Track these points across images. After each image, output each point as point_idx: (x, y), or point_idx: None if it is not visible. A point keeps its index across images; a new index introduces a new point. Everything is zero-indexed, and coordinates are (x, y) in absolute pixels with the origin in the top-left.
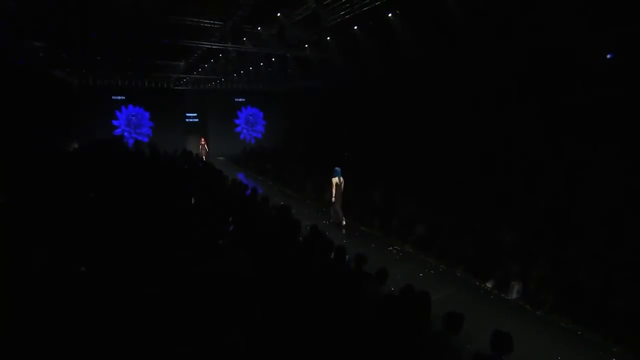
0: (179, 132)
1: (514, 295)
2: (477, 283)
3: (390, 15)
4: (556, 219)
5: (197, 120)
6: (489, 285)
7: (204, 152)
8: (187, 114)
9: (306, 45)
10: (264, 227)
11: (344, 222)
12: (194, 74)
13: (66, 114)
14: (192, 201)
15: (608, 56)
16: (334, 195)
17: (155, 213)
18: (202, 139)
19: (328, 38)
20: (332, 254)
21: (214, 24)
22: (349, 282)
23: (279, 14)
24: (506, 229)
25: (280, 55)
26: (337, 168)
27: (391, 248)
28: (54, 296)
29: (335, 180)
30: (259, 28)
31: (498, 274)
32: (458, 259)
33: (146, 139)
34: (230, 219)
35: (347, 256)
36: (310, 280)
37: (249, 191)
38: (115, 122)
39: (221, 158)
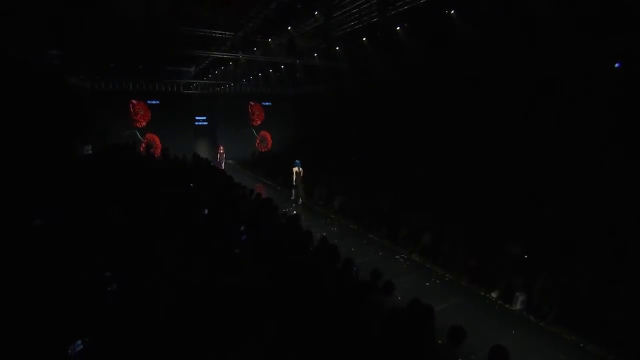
0: (189, 135)
1: (518, 306)
2: (482, 293)
3: (398, 28)
4: (560, 231)
5: (206, 123)
6: (493, 295)
7: (222, 160)
8: (197, 117)
9: (315, 55)
10: (275, 237)
11: (300, 201)
12: (204, 80)
13: (80, 118)
14: (206, 211)
15: (616, 65)
16: (294, 180)
17: (170, 223)
18: (221, 147)
19: (337, 48)
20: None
21: (225, 34)
22: (358, 294)
23: (289, 27)
24: (511, 241)
25: (289, 63)
26: (297, 160)
27: (398, 256)
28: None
29: (295, 169)
30: (270, 39)
31: (503, 284)
32: (463, 269)
33: None
34: (242, 227)
35: (354, 267)
36: (322, 292)
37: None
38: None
39: (231, 161)
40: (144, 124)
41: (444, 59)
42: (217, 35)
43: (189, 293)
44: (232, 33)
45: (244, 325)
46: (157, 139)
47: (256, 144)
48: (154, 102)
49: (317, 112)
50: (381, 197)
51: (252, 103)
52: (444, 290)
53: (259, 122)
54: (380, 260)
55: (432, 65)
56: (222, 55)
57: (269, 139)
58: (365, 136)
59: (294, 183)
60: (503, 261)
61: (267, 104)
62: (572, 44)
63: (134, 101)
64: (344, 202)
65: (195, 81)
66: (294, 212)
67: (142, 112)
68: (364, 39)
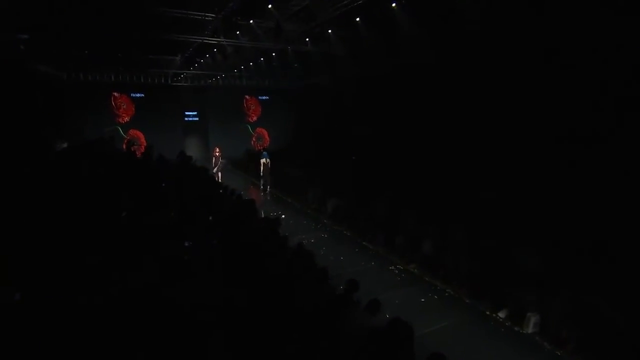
0: (177, 132)
1: (530, 330)
2: (488, 312)
3: (394, 5)
4: (583, 241)
5: (197, 119)
6: (501, 315)
7: (219, 164)
8: (186, 113)
9: (307, 39)
10: (249, 241)
11: (268, 190)
12: (191, 70)
13: (53, 111)
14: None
15: None
16: (261, 170)
17: (117, 227)
18: (217, 149)
19: (330, 31)
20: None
21: (205, 16)
22: (331, 311)
23: (270, 6)
24: (525, 250)
25: (280, 50)
26: (264, 152)
27: (393, 267)
28: None
29: (262, 160)
30: (251, 21)
31: (512, 302)
32: (467, 283)
33: None
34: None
35: (330, 280)
36: (288, 307)
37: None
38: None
39: (223, 161)
40: (127, 119)
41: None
42: (195, 17)
43: (119, 309)
44: (212, 15)
45: (182, 347)
46: (141, 136)
47: (252, 142)
48: (138, 95)
49: (318, 107)
50: (378, 200)
51: (247, 97)
52: (443, 307)
53: (255, 118)
54: (372, 271)
55: (439, 52)
56: (202, 39)
57: (266, 136)
58: (367, 132)
59: (261, 174)
60: (514, 274)
61: (264, 98)
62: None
63: (115, 94)
64: (339, 205)
65: (183, 71)
66: (282, 215)
67: (124, 106)
68: (357, 19)
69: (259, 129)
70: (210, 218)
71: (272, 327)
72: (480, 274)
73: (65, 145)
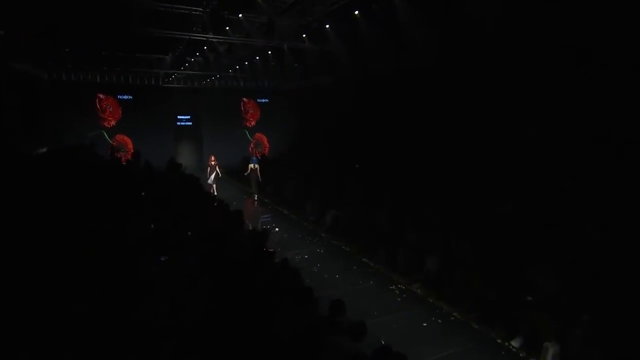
0: (169, 137)
1: None
2: (499, 340)
3: None
4: (607, 259)
5: (190, 123)
6: (514, 344)
7: (212, 173)
8: (179, 117)
9: (304, 35)
10: (231, 257)
11: (256, 197)
12: (181, 70)
13: (30, 113)
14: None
15: None
16: (247, 173)
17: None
18: (212, 157)
19: (327, 26)
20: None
21: (191, 10)
22: (311, 336)
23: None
24: (540, 270)
25: (279, 49)
26: (253, 158)
27: (394, 287)
28: None
29: (250, 165)
30: (240, 15)
31: (528, 329)
32: (475, 306)
33: None
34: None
35: (316, 300)
36: (265, 331)
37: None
38: None
39: (218, 170)
40: (113, 123)
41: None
42: (181, 11)
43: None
44: (199, 9)
45: None
46: (129, 142)
47: (250, 149)
48: (125, 97)
49: (322, 110)
50: (380, 212)
51: (245, 100)
52: (448, 333)
53: (253, 123)
54: (370, 291)
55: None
56: (189, 36)
57: (266, 142)
58: (372, 137)
59: (246, 175)
60: (529, 296)
61: (263, 100)
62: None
63: (101, 95)
64: (338, 217)
65: (174, 71)
66: (276, 228)
67: (110, 109)
68: (356, 12)
69: (257, 135)
70: (190, 233)
71: (245, 355)
72: (491, 296)
73: (44, 150)
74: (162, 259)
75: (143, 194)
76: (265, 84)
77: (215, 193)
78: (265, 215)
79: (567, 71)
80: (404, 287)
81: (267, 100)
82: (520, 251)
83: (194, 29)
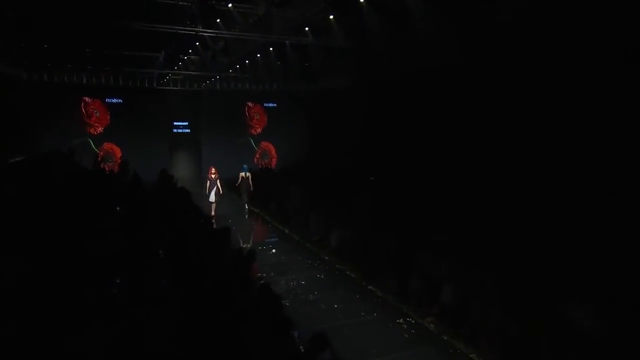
0: (163, 146)
1: None
2: None
3: None
4: None
5: (188, 130)
6: None
7: (213, 188)
8: (175, 123)
9: (307, 29)
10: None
11: (247, 207)
12: (176, 69)
13: (4, 117)
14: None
15: None
16: (238, 183)
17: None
18: (212, 170)
19: (331, 17)
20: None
21: (177, 0)
22: None
23: None
24: (577, 307)
25: (290, 46)
26: (244, 166)
27: (402, 320)
28: None
29: (241, 174)
30: (230, 5)
31: None
32: (499, 346)
33: None
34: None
35: (296, 332)
36: None
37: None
38: None
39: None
40: (100, 129)
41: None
42: (165, 1)
43: None
44: (185, 0)
45: None
46: (118, 151)
47: (255, 159)
48: (114, 100)
49: (336, 115)
50: (392, 232)
51: (250, 104)
52: None
53: (259, 130)
54: (373, 325)
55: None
56: (175, 29)
57: (273, 152)
58: (391, 146)
59: (237, 186)
60: (563, 337)
61: (270, 105)
62: None
63: (87, 99)
64: (345, 238)
65: (169, 72)
66: (273, 249)
67: (97, 114)
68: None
69: (264, 144)
70: (161, 252)
71: None
72: (517, 336)
73: (20, 159)
74: (117, 281)
75: (118, 209)
76: (274, 86)
77: (213, 213)
78: (266, 236)
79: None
80: (413, 321)
81: (274, 104)
82: (552, 283)
83: (186, 22)
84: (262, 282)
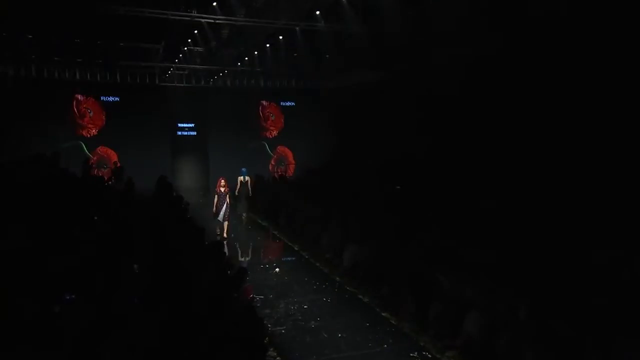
0: (165, 151)
1: None
2: None
3: None
4: None
5: (194, 133)
6: None
7: (224, 208)
8: (179, 124)
9: (317, 12)
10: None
11: (244, 215)
12: (176, 62)
13: None
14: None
15: None
16: (237, 190)
17: None
18: (222, 181)
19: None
20: None
21: None
22: None
23: None
24: (626, 345)
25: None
26: (243, 169)
27: (416, 354)
28: None
29: (240, 178)
30: None
31: None
32: None
33: None
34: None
35: None
36: None
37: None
38: None
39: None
40: (94, 131)
41: None
42: None
43: None
44: None
45: None
46: (113, 156)
47: (270, 167)
48: (110, 98)
49: (364, 116)
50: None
51: (265, 103)
52: None
53: (275, 133)
54: (381, 359)
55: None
56: (167, 14)
57: (291, 158)
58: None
59: (237, 194)
60: None
61: (288, 104)
62: None
63: (79, 96)
64: (359, 257)
65: (172, 65)
66: (276, 269)
67: (91, 114)
68: None
69: (280, 148)
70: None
71: None
72: None
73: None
74: (67, 297)
75: (96, 218)
76: (292, 83)
77: (225, 235)
78: (271, 253)
79: None
80: (430, 356)
81: (292, 103)
82: (593, 318)
83: (181, 8)
84: (246, 304)
